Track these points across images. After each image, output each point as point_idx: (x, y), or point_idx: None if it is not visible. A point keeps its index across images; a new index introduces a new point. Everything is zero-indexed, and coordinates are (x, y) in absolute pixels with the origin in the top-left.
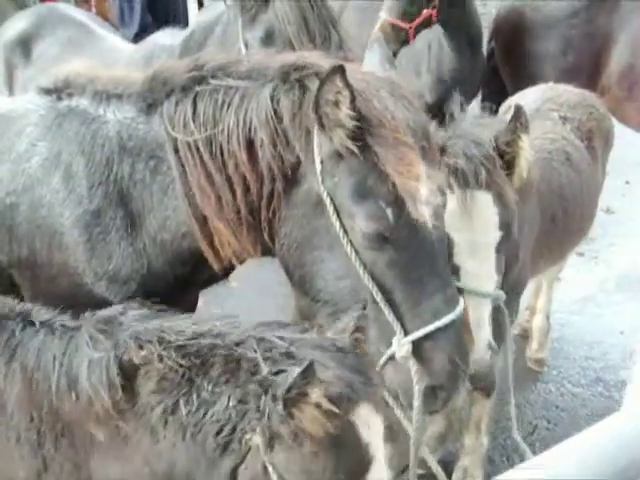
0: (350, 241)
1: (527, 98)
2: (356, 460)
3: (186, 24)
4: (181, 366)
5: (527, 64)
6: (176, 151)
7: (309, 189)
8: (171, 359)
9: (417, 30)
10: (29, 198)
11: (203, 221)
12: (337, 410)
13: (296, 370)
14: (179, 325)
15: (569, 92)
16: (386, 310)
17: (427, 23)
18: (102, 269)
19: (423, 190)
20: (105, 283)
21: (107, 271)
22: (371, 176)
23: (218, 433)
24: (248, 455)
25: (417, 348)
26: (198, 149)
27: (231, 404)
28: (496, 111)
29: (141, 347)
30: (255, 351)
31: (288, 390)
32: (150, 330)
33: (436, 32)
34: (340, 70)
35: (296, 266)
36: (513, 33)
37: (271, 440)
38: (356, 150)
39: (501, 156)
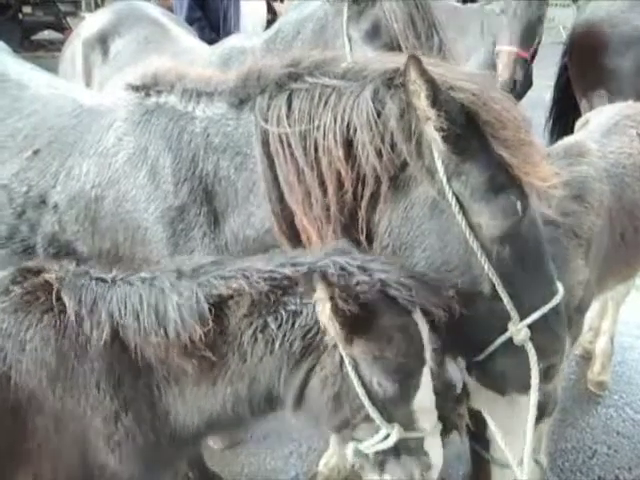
0: (476, 237)
1: (605, 114)
2: (415, 353)
3: (237, 22)
4: (270, 289)
5: (602, 81)
6: (265, 144)
7: (423, 191)
8: (260, 285)
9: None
10: (114, 192)
11: (289, 217)
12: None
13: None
14: (254, 262)
15: None
16: (505, 299)
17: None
18: None
19: (546, 187)
20: None
21: None
22: (499, 173)
23: (305, 335)
24: (325, 354)
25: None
26: (290, 144)
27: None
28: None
29: (229, 282)
30: (333, 270)
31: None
32: (231, 269)
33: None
34: (414, 60)
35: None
36: (589, 49)
37: (348, 335)
38: (442, 145)
39: None
